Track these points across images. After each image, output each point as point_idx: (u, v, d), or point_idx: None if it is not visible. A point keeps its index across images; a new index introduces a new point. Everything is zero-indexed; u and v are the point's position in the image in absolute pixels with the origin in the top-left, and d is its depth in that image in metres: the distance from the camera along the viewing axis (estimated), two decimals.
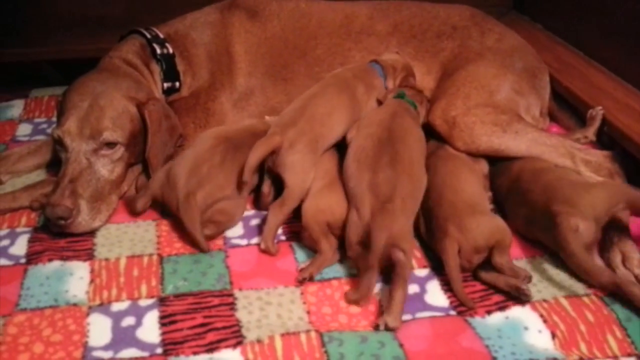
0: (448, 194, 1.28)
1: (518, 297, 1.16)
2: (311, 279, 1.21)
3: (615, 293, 1.16)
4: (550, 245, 1.25)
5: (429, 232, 1.28)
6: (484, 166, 1.47)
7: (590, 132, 1.52)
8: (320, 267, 1.23)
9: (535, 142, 1.43)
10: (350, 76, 1.52)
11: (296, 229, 1.37)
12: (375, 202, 1.19)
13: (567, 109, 1.68)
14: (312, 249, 1.29)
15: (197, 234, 1.28)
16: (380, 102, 1.53)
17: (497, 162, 1.47)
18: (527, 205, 1.30)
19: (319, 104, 1.42)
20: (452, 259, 1.18)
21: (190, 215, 1.29)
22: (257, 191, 1.44)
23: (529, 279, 1.18)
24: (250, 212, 1.45)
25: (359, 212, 1.20)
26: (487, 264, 1.21)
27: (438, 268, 1.25)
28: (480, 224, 1.21)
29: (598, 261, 1.22)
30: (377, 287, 1.21)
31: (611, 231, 1.25)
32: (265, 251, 1.30)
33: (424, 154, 1.40)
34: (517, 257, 1.28)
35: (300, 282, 1.21)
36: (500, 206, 1.41)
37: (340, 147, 1.44)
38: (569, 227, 1.18)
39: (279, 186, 1.37)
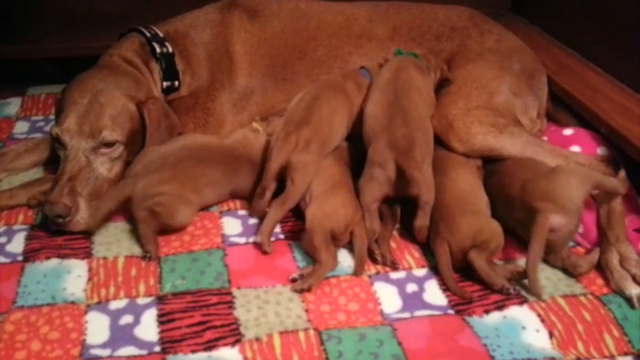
0: (440, 193, 1.29)
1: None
2: (309, 290, 1.19)
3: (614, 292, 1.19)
4: (527, 239, 1.22)
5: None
6: (477, 160, 1.46)
7: None
8: (320, 278, 1.21)
9: (530, 143, 1.44)
10: (340, 78, 1.54)
11: (295, 227, 1.37)
12: (398, 155, 1.26)
13: (564, 110, 1.69)
14: (310, 254, 1.27)
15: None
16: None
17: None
18: (505, 200, 1.31)
19: (322, 107, 1.42)
20: (442, 258, 1.21)
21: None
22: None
23: (506, 289, 1.17)
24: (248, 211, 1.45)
25: (385, 170, 1.27)
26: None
27: (436, 267, 1.26)
28: (470, 224, 1.22)
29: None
30: (375, 285, 1.22)
31: (608, 232, 1.26)
32: (259, 245, 1.29)
33: (432, 104, 1.49)
34: (514, 257, 1.29)
35: (298, 291, 1.19)
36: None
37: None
38: (546, 225, 1.18)
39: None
